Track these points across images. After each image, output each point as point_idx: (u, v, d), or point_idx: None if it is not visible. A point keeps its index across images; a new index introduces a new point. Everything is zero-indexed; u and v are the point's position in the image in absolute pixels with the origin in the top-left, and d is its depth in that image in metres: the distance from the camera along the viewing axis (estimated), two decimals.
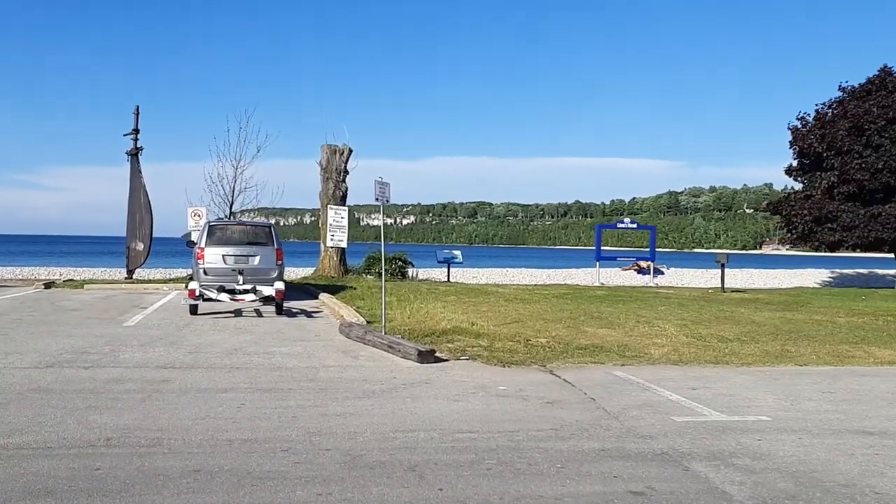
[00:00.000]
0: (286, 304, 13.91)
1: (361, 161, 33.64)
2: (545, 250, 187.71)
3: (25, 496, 3.96)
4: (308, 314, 13.59)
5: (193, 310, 12.91)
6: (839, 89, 26.75)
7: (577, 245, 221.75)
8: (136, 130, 20.39)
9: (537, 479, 4.46)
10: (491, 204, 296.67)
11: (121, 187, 20.59)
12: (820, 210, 25.34)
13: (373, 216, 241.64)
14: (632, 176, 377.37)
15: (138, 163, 20.40)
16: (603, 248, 27.60)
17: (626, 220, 29.36)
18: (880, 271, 32.99)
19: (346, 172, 23.33)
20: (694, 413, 6.29)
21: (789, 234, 27.37)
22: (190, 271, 18.18)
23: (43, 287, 18.27)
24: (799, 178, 27.87)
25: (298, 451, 4.91)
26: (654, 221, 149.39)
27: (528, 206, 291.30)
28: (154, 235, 20.68)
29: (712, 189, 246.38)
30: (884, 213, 24.46)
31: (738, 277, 29.34)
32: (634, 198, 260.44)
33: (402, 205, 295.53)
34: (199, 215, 19.66)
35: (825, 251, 27.29)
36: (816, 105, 27.16)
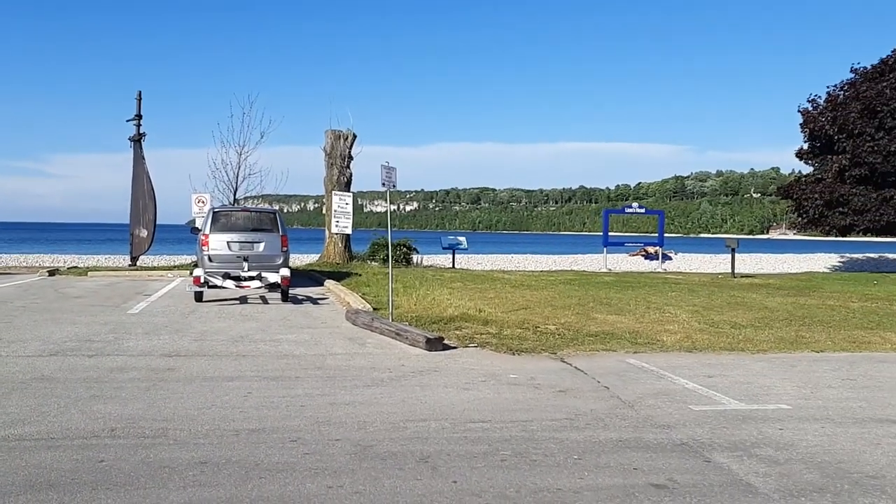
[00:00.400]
0: (292, 291, 13.78)
1: (365, 148, 33.44)
2: (550, 236, 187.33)
3: (28, 489, 3.82)
4: (314, 301, 13.46)
5: (198, 297, 12.79)
6: (851, 71, 26.35)
7: (583, 231, 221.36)
8: (139, 116, 20.21)
9: (554, 470, 4.31)
10: (494, 190, 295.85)
11: (125, 174, 20.45)
12: (831, 194, 25.01)
13: (376, 203, 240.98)
14: (637, 161, 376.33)
15: (141, 149, 20.24)
16: (610, 233, 27.35)
17: (634, 204, 29.00)
18: (891, 255, 32.72)
19: (351, 158, 23.10)
20: (712, 402, 6.13)
21: (800, 219, 27.04)
22: (194, 258, 18.07)
23: (47, 274, 18.18)
24: (810, 162, 27.52)
25: (307, 441, 4.77)
26: (660, 206, 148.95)
27: (532, 191, 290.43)
28: (159, 223, 20.56)
29: (719, 173, 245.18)
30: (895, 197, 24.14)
31: (747, 262, 29.11)
32: (640, 183, 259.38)
33: (406, 191, 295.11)
34: (203, 202, 19.53)
35: (836, 235, 26.99)
36: (828, 87, 26.75)
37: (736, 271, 23.03)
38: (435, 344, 8.35)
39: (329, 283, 15.86)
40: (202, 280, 12.67)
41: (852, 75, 26.24)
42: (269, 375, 6.84)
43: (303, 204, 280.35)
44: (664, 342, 9.11)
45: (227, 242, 13.85)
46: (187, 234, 17.46)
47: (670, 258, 29.46)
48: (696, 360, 8.06)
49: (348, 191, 21.75)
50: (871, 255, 33.78)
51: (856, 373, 7.56)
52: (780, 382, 6.97)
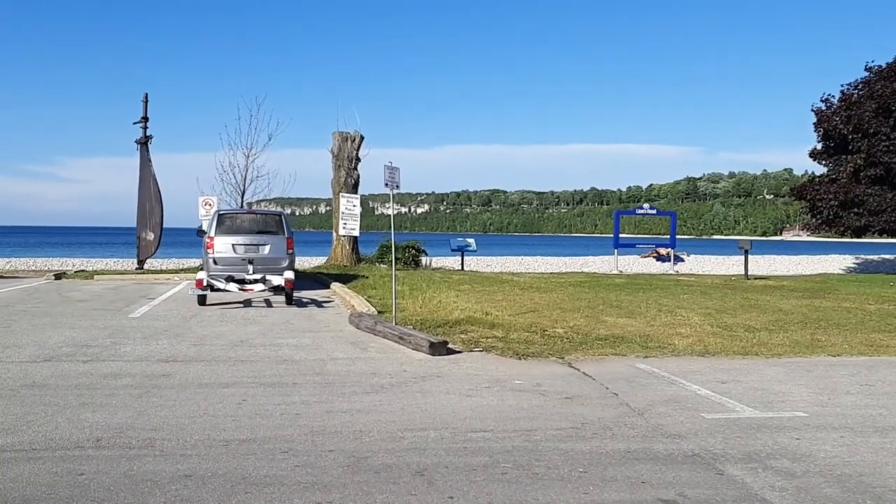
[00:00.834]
0: (296, 294, 13.60)
1: (374, 150, 33.23)
2: (561, 238, 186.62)
3: None
4: (318, 304, 13.28)
5: (202, 300, 12.65)
6: (865, 69, 25.86)
7: (594, 232, 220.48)
8: (146, 118, 20.15)
9: (557, 485, 4.07)
10: (505, 192, 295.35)
11: (135, 178, 20.40)
12: (846, 194, 24.55)
13: (386, 205, 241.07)
14: (648, 162, 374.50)
15: (148, 151, 20.18)
16: (621, 234, 27.03)
17: (646, 206, 28.69)
18: None
19: (358, 160, 22.94)
20: (725, 409, 5.86)
21: (814, 220, 26.57)
22: (201, 261, 17.96)
23: (53, 278, 18.13)
24: (823, 162, 27.05)
25: (299, 452, 4.57)
26: (672, 208, 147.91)
27: (543, 193, 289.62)
28: (166, 226, 20.50)
29: (731, 175, 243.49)
30: None
31: (761, 264, 28.65)
32: (652, 184, 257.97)
33: (416, 193, 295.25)
34: (210, 204, 19.42)
35: (851, 236, 26.49)
36: (842, 86, 26.23)
37: (749, 273, 22.64)
38: (438, 348, 8.13)
39: (335, 285, 15.68)
40: (205, 283, 12.54)
41: (867, 74, 25.76)
42: (266, 382, 6.64)
43: (315, 207, 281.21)
44: (676, 346, 8.83)
45: (233, 245, 13.74)
46: (195, 237, 17.37)
47: (682, 260, 29.06)
48: (709, 365, 7.78)
49: (356, 193, 21.59)
50: (887, 257, 33.18)
51: (874, 378, 7.26)
52: (796, 388, 6.69)
